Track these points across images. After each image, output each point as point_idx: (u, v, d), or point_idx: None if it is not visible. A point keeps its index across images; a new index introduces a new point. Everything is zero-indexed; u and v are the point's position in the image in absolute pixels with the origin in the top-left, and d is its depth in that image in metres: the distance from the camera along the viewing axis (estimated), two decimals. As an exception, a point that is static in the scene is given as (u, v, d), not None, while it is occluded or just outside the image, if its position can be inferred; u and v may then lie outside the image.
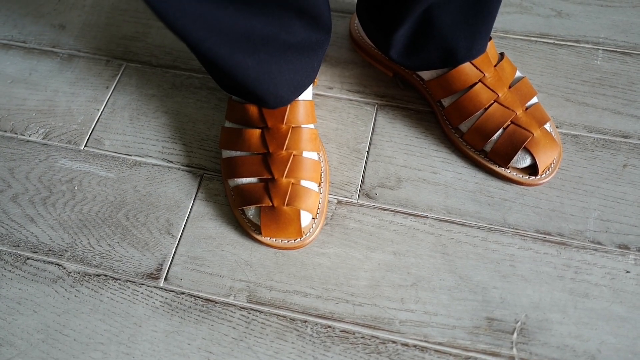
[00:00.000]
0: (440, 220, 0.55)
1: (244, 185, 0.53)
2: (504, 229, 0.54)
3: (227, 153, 0.55)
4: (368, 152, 0.59)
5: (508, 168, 0.55)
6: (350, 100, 0.63)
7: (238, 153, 0.54)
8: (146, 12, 0.71)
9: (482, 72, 0.54)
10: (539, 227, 0.54)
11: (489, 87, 0.54)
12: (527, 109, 0.55)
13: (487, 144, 0.55)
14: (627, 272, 0.51)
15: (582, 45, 0.65)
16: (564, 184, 0.56)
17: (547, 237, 0.53)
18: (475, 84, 0.54)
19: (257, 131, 0.53)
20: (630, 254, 0.52)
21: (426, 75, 0.58)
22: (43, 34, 0.70)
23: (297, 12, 0.43)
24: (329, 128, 0.61)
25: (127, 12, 0.72)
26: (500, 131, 0.54)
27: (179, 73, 0.66)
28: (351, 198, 0.56)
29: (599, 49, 0.65)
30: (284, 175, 0.51)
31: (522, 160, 0.54)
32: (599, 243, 0.53)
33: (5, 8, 0.73)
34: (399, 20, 0.50)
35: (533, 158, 0.54)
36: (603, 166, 0.57)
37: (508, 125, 0.54)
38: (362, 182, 0.57)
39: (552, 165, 0.55)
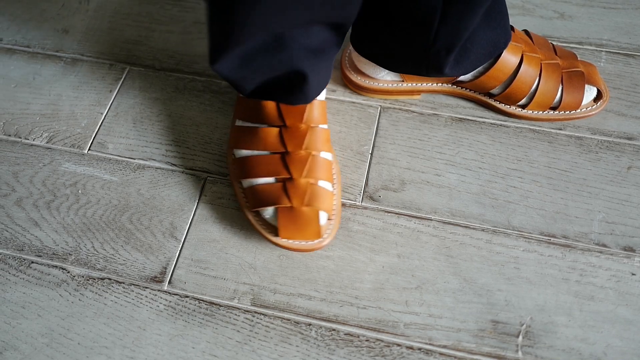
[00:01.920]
0: (444, 222, 0.55)
1: (260, 186, 0.52)
2: (508, 232, 0.54)
3: (239, 152, 0.54)
4: (371, 154, 0.59)
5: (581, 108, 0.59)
6: (354, 102, 0.63)
7: (253, 152, 0.53)
8: (149, 16, 0.72)
9: (520, 45, 0.56)
10: (543, 229, 0.54)
11: (532, 55, 0.57)
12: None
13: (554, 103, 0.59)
14: (633, 274, 0.51)
15: (585, 47, 0.65)
16: (568, 186, 0.56)
17: (552, 239, 0.53)
18: (521, 60, 0.56)
19: (275, 129, 0.51)
20: (635, 256, 0.52)
21: (467, 76, 0.58)
22: (47, 38, 0.71)
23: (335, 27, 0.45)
24: (332, 130, 0.61)
25: (129, 16, 0.72)
26: (560, 86, 0.58)
27: (182, 76, 0.66)
28: (355, 201, 0.56)
29: (602, 50, 0.65)
30: (303, 175, 0.51)
31: (589, 94, 0.59)
32: (604, 245, 0.52)
33: (9, 13, 0.73)
34: (452, 47, 0.50)
35: (596, 88, 0.59)
36: (607, 168, 0.57)
37: (561, 78, 0.57)
38: (366, 184, 0.57)
39: (603, 86, 0.60)
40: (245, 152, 0.54)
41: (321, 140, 0.53)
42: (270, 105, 0.51)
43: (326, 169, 0.52)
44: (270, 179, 0.52)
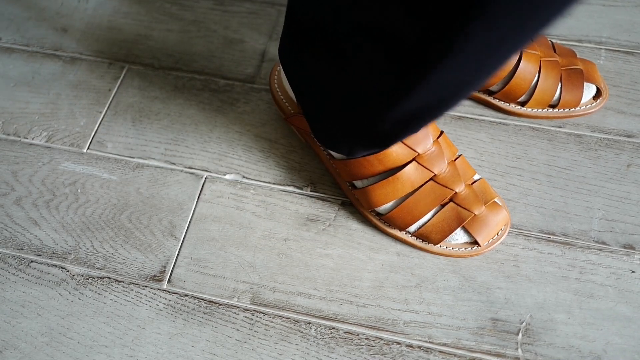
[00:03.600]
0: (444, 220, 0.54)
1: (433, 222, 0.50)
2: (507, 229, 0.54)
3: (385, 207, 0.51)
4: (371, 153, 0.59)
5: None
6: (353, 101, 0.63)
7: (402, 199, 0.50)
8: (148, 15, 0.72)
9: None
10: (542, 227, 0.54)
11: (531, 52, 0.55)
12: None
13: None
14: (633, 272, 0.51)
15: (584, 45, 0.65)
16: (567, 184, 0.56)
17: (552, 237, 0.53)
18: (520, 57, 0.55)
19: (413, 165, 0.48)
20: (635, 253, 0.52)
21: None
22: (46, 37, 0.70)
23: None
24: (331, 129, 0.61)
25: (129, 15, 0.72)
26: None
27: (181, 75, 0.66)
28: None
29: (601, 48, 0.65)
30: (462, 182, 0.50)
31: (588, 92, 0.58)
32: (604, 243, 0.52)
33: (8, 12, 0.73)
34: None
35: (595, 86, 0.59)
36: (607, 166, 0.57)
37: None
38: (365, 183, 0.57)
39: (603, 83, 0.59)
40: (392, 204, 0.51)
41: (449, 143, 0.51)
42: (395, 148, 0.48)
43: (467, 163, 0.52)
44: (435, 208, 0.50)
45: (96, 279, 0.53)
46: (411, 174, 0.49)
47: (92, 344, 0.50)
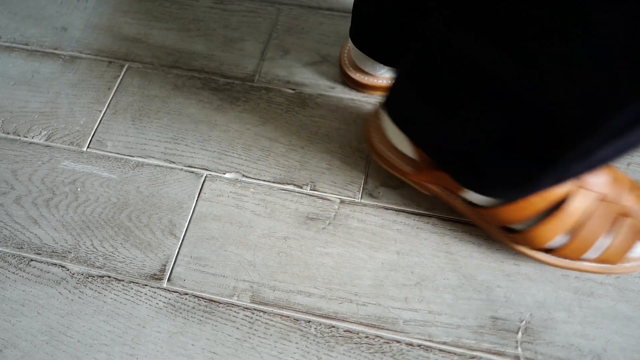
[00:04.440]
0: (444, 219, 0.54)
1: (613, 244, 0.46)
2: (507, 228, 0.54)
3: (557, 242, 0.47)
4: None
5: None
6: (353, 99, 0.62)
7: (574, 228, 0.46)
8: (148, 13, 0.71)
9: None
10: (543, 225, 0.54)
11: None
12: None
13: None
14: (633, 270, 0.51)
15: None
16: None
17: (552, 235, 0.53)
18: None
19: (580, 192, 0.43)
20: (635, 252, 0.52)
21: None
22: (45, 36, 0.70)
23: None
24: (331, 127, 0.61)
25: (128, 13, 0.72)
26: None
27: (180, 74, 0.66)
28: (354, 197, 0.56)
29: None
30: (627, 192, 0.45)
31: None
32: (604, 241, 0.52)
33: (8, 11, 0.73)
34: None
35: None
36: (607, 164, 0.57)
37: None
38: (365, 181, 0.57)
39: None
40: (563, 236, 0.46)
41: None
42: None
43: (619, 172, 0.47)
44: (610, 227, 0.46)
45: (96, 277, 0.53)
46: (580, 202, 0.44)
47: (92, 343, 0.50)
